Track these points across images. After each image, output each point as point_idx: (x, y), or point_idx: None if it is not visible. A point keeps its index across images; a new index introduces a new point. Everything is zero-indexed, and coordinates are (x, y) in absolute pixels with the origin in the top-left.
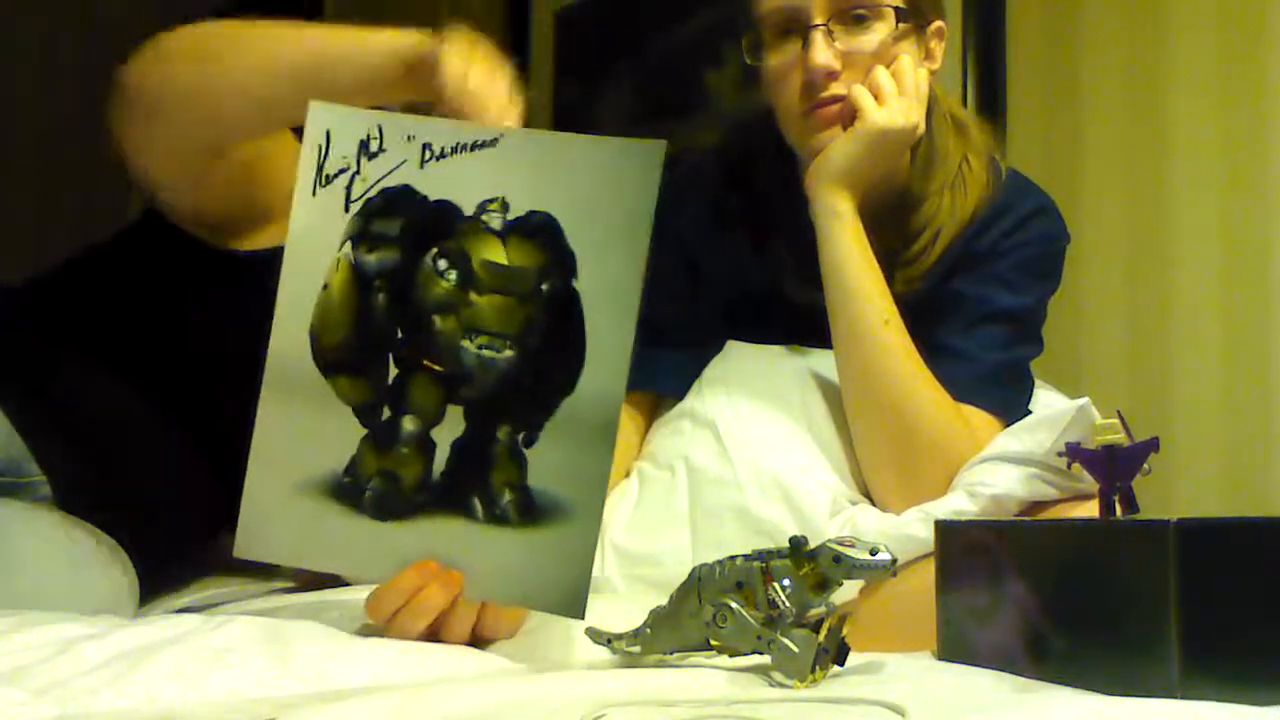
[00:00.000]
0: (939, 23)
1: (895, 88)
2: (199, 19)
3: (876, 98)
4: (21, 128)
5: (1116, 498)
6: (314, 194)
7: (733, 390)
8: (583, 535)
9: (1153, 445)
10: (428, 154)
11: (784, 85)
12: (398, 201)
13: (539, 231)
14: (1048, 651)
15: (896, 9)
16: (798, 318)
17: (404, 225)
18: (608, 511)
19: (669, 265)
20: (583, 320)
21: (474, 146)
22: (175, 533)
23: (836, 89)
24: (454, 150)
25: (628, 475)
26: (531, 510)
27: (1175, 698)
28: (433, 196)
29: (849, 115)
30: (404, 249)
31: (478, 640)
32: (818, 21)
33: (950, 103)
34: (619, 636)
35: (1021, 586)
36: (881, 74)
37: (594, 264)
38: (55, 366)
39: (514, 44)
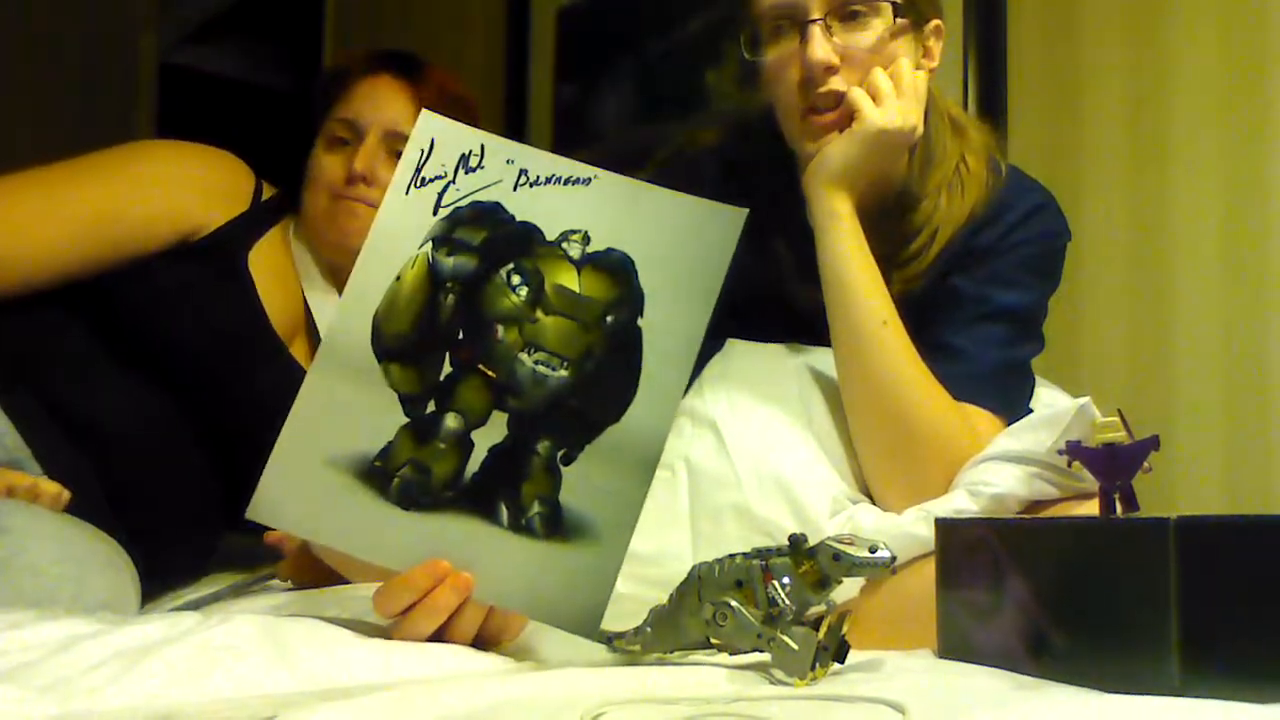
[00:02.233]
0: (937, 21)
1: (893, 89)
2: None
3: (874, 99)
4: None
5: (1117, 496)
6: (407, 192)
7: (733, 389)
8: (606, 558)
9: (1153, 443)
10: (523, 179)
11: (782, 80)
12: (485, 215)
13: (615, 268)
14: (1048, 649)
15: (894, 4)
16: (797, 317)
17: (486, 237)
18: None
19: None
20: (641, 356)
21: (568, 181)
22: (179, 532)
23: (835, 84)
24: (548, 181)
25: None
26: (558, 525)
27: (1175, 695)
28: (519, 218)
29: (846, 117)
30: (482, 259)
31: (481, 642)
32: (815, 16)
33: (948, 103)
34: (619, 635)
35: (1022, 585)
36: (879, 75)
37: (661, 307)
38: (56, 365)
39: (514, 42)
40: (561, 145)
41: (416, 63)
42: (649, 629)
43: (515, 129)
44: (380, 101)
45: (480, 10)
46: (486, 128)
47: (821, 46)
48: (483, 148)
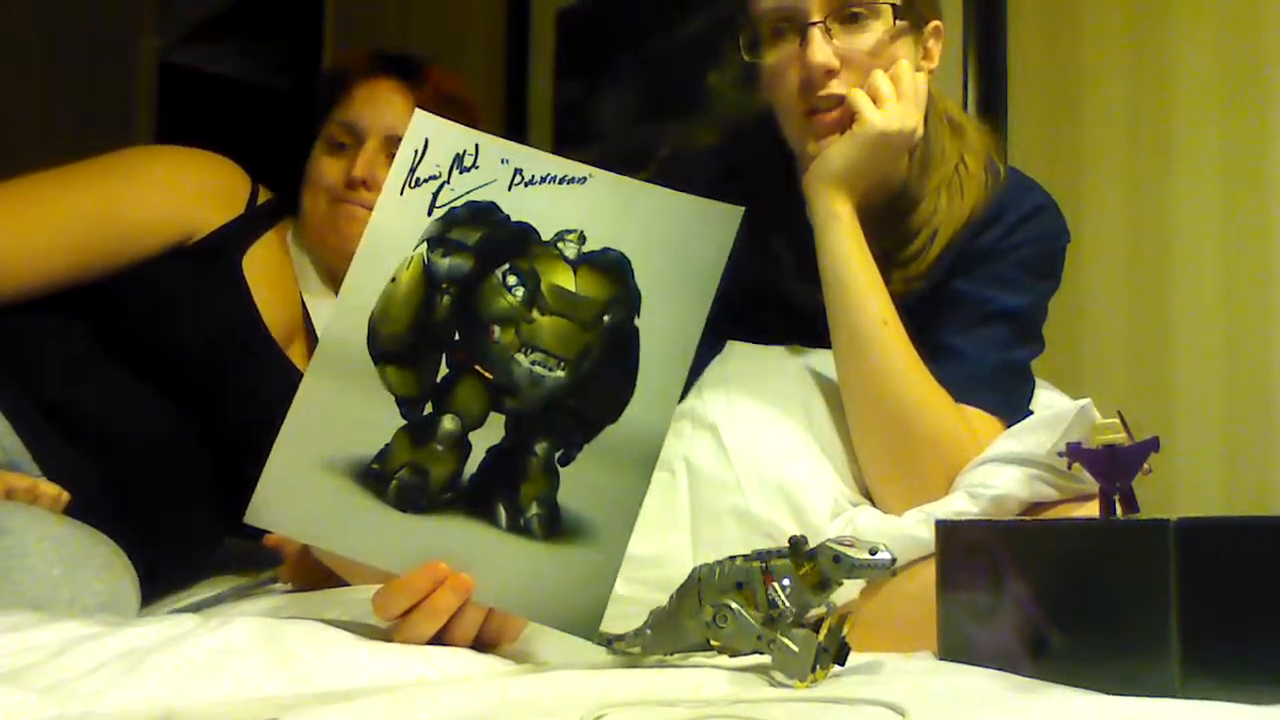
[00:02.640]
0: (936, 22)
1: (894, 91)
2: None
3: (875, 101)
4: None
5: (1117, 498)
6: (401, 193)
7: (733, 391)
8: (605, 559)
9: (1153, 445)
10: (517, 178)
11: (782, 83)
12: (480, 215)
13: (611, 267)
14: (1048, 651)
15: (893, 6)
16: (797, 317)
17: (482, 238)
18: None
19: None
20: (638, 356)
21: (563, 180)
22: (178, 534)
23: (835, 87)
24: (543, 180)
25: None
26: (557, 526)
27: (1175, 697)
28: (515, 218)
29: (848, 120)
30: (477, 259)
31: (481, 644)
32: (815, 19)
33: (948, 104)
34: (619, 637)
35: (1022, 586)
36: (880, 77)
37: (658, 307)
38: (55, 367)
39: (514, 42)
40: (561, 145)
41: (416, 65)
42: (649, 631)
43: (515, 129)
44: (380, 105)
45: (480, 10)
46: (486, 128)
47: (821, 49)
48: (477, 147)
